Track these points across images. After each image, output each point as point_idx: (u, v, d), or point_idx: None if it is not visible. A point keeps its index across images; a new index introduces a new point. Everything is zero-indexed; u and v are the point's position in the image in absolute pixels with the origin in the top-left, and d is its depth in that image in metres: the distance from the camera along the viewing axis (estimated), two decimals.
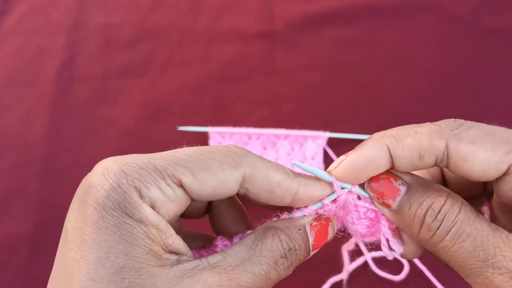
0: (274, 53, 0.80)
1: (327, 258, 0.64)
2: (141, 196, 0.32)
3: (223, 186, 0.34)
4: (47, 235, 0.69)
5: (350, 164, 0.36)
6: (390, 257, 0.39)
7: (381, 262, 0.64)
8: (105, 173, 0.32)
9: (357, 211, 0.38)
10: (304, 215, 0.38)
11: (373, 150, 0.36)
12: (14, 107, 0.79)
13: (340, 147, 0.71)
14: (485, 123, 0.37)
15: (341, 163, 0.37)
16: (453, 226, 0.34)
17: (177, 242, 0.33)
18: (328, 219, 0.38)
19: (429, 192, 0.36)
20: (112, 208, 0.31)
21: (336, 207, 0.38)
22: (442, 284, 0.62)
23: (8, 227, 0.70)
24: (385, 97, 0.76)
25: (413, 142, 0.35)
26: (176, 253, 0.33)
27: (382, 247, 0.39)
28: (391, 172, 0.37)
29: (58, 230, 0.33)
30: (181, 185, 0.33)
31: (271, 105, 0.76)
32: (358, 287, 0.64)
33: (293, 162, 0.37)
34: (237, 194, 0.37)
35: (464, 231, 0.34)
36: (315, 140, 0.71)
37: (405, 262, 0.63)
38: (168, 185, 0.33)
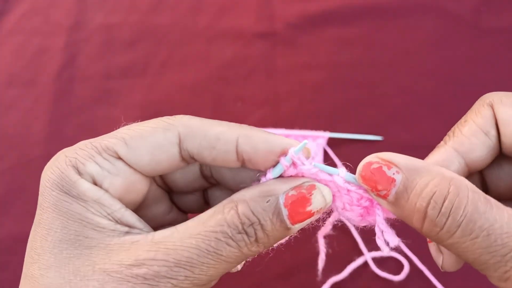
0: (274, 53, 0.80)
1: (327, 258, 0.64)
2: (79, 173, 0.33)
3: (158, 150, 0.34)
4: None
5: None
6: (385, 252, 0.35)
7: (381, 262, 0.64)
8: (51, 161, 0.34)
9: (349, 195, 0.35)
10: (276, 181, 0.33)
11: (439, 156, 0.34)
12: (14, 107, 0.79)
13: (340, 147, 0.71)
14: None
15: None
16: (463, 220, 0.30)
17: (127, 216, 0.33)
18: (311, 187, 0.33)
19: (427, 179, 0.32)
20: (51, 188, 0.33)
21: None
22: (442, 284, 0.62)
23: (8, 227, 0.70)
24: (385, 97, 0.76)
25: (470, 127, 0.34)
26: (129, 226, 0.33)
27: (377, 240, 0.35)
28: (383, 157, 0.33)
29: None
30: (119, 157, 0.34)
31: (271, 105, 0.77)
32: (358, 287, 0.64)
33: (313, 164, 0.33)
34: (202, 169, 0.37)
35: (475, 226, 0.30)
36: (315, 140, 0.71)
37: (405, 262, 0.63)
38: (105, 158, 0.33)
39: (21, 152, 0.76)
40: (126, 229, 0.33)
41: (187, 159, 0.35)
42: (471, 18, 0.81)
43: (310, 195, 0.33)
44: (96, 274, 0.30)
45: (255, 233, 0.31)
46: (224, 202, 0.33)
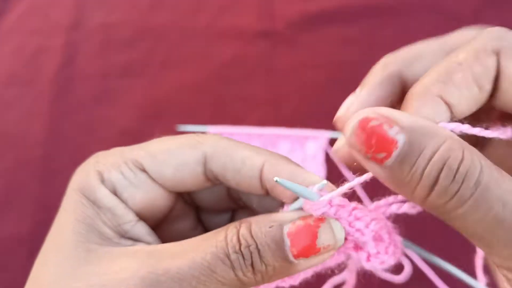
0: (275, 52, 0.80)
1: None
2: (102, 179, 0.33)
3: (183, 167, 0.33)
4: (47, 235, 0.69)
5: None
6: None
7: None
8: (84, 162, 0.35)
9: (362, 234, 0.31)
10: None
11: (428, 108, 0.29)
12: (13, 106, 0.79)
13: None
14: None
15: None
16: (477, 188, 0.26)
17: (137, 229, 0.33)
18: (320, 219, 0.30)
19: (438, 142, 0.27)
20: (74, 189, 0.33)
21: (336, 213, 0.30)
22: (444, 284, 0.62)
23: (8, 227, 0.70)
24: None
25: (464, 77, 0.29)
26: (135, 240, 0.33)
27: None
28: (382, 113, 0.28)
29: None
30: (143, 170, 0.34)
31: (272, 105, 0.76)
32: (358, 287, 0.64)
33: (275, 179, 0.30)
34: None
35: (491, 195, 0.26)
36: (316, 140, 0.71)
37: (406, 262, 0.63)
38: (129, 168, 0.33)
39: (21, 152, 0.75)
40: (131, 242, 0.33)
41: (212, 179, 0.34)
42: (471, 18, 0.81)
43: (317, 228, 0.29)
44: (82, 279, 0.30)
45: (251, 257, 0.29)
46: (237, 221, 0.31)
